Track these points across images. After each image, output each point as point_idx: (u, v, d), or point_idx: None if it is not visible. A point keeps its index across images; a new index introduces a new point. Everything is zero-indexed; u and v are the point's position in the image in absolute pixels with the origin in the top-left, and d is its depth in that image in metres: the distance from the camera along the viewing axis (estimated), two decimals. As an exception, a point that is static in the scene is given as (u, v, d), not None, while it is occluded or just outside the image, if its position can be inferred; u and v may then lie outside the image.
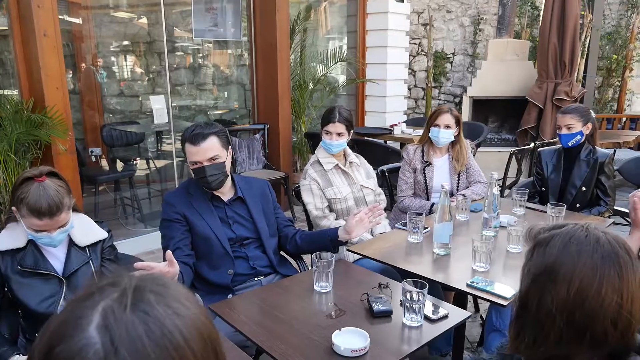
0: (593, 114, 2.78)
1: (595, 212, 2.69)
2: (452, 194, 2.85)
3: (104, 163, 5.03)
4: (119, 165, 4.96)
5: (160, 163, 5.21)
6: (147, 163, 5.20)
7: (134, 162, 5.00)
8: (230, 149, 2.06)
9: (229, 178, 2.10)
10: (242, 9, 4.85)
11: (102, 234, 1.80)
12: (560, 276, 0.87)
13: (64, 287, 1.68)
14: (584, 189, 2.72)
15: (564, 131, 2.69)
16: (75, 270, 1.71)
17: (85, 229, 1.77)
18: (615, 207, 2.83)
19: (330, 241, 2.06)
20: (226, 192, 2.11)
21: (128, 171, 4.75)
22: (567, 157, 2.81)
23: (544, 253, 0.91)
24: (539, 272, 0.90)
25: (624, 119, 6.73)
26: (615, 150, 5.25)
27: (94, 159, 4.98)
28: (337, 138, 2.53)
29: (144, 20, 5.35)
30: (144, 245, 3.96)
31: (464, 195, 2.69)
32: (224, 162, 2.00)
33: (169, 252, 1.61)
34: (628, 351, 0.88)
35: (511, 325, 0.97)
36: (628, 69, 7.17)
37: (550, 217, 2.32)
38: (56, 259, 1.71)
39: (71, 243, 1.73)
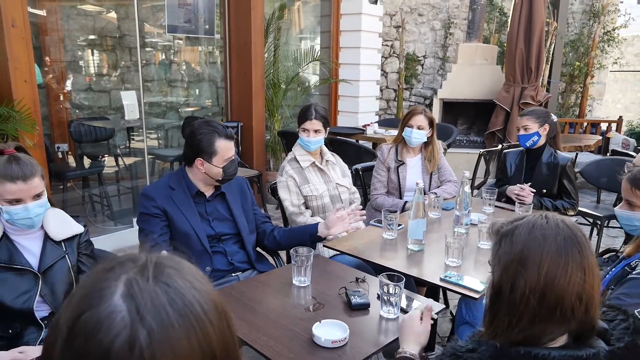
0: (554, 118, 2.91)
1: (559, 204, 2.80)
2: (424, 193, 2.92)
3: (71, 160, 4.91)
4: (87, 162, 4.85)
5: (131, 160, 5.11)
6: (117, 160, 5.10)
7: (103, 158, 4.90)
8: None
9: None
10: (216, 6, 4.82)
11: (78, 228, 1.78)
12: (530, 261, 0.95)
13: (40, 282, 1.65)
14: (544, 191, 2.84)
15: (522, 132, 2.85)
16: (51, 265, 1.68)
17: (61, 223, 1.74)
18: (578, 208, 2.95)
19: (309, 236, 2.12)
20: (209, 188, 2.12)
21: (97, 167, 4.65)
22: (530, 160, 2.93)
23: (512, 242, 0.98)
24: (510, 260, 0.97)
25: (585, 123, 7.00)
26: (577, 154, 5.51)
27: (60, 155, 4.86)
28: (314, 135, 2.57)
29: (114, 14, 5.26)
30: (114, 243, 3.90)
31: (436, 193, 2.76)
32: None
33: None
34: (592, 330, 0.95)
35: (485, 314, 1.03)
36: (590, 76, 7.47)
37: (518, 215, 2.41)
38: (31, 253, 1.67)
39: (46, 237, 1.70)
